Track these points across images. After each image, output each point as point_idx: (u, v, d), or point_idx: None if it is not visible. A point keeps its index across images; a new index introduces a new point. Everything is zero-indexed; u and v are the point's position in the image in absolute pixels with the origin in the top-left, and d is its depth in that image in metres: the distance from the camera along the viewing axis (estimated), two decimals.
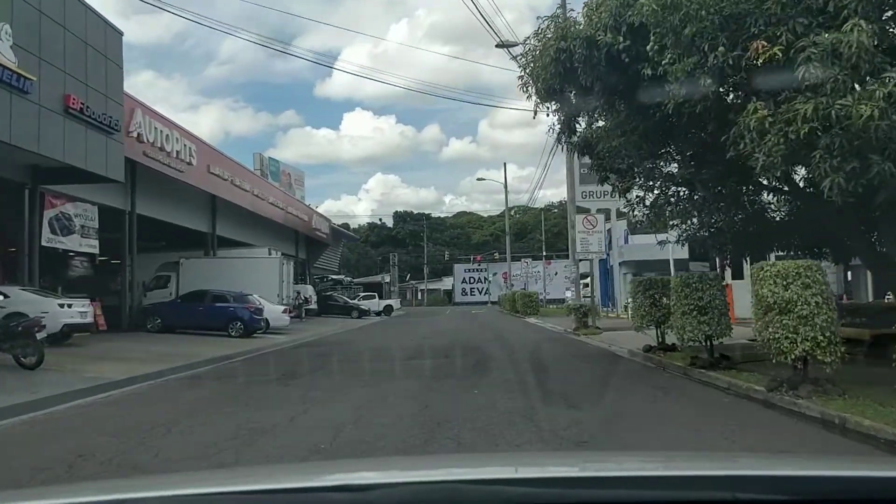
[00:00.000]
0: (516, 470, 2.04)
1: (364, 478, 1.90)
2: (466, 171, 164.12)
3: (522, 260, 67.86)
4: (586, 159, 16.82)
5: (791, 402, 7.85)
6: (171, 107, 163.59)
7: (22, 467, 5.93)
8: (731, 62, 7.73)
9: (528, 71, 11.09)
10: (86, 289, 21.73)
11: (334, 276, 51.86)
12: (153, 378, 12.24)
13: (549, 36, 10.22)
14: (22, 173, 16.70)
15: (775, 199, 13.00)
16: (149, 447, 6.54)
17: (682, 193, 12.74)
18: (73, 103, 14.94)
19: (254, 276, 26.43)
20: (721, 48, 7.73)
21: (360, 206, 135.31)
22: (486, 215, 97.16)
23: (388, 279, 67.86)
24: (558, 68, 10.05)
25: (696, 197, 12.54)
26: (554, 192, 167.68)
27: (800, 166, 8.96)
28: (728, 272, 21.10)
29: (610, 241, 31.61)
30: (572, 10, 13.15)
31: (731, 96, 8.98)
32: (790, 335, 7.84)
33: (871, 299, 23.12)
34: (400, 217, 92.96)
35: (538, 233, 76.61)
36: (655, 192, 12.95)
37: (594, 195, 24.87)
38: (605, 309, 34.26)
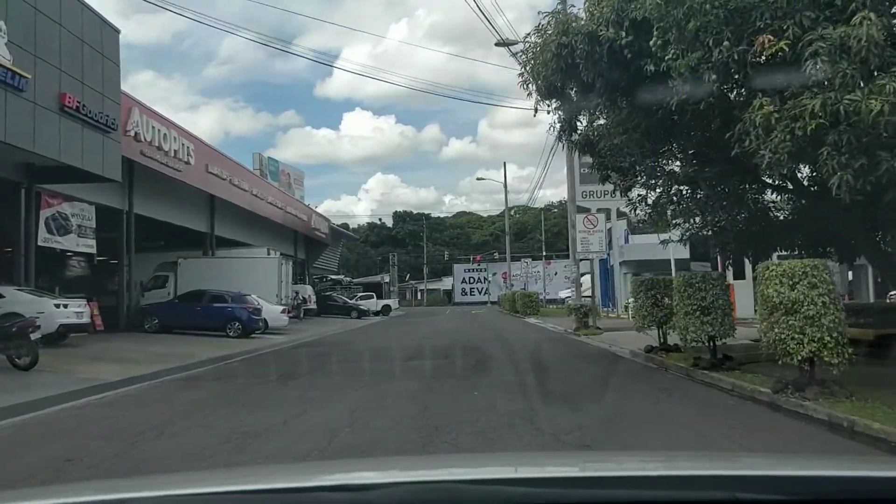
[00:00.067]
0: (516, 470, 2.03)
1: (363, 478, 1.89)
2: (466, 171, 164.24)
3: (522, 260, 67.77)
4: (587, 158, 16.68)
5: (797, 405, 7.69)
6: (171, 107, 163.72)
7: (4, 473, 5.77)
8: (736, 57, 7.56)
9: (528, 68, 10.93)
10: (83, 289, 21.62)
11: (333, 277, 51.71)
12: (149, 379, 12.11)
13: (550, 32, 10.06)
14: (17, 172, 16.54)
15: (779, 197, 12.84)
16: (139, 451, 6.39)
17: (684, 192, 12.58)
18: (69, 101, 14.77)
19: (252, 276, 26.30)
20: (726, 43, 7.57)
21: (359, 206, 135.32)
22: (485, 215, 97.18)
23: (387, 279, 67.66)
24: (559, 64, 9.88)
25: (698, 195, 12.38)
26: (554, 192, 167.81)
27: (805, 164, 8.80)
28: (730, 272, 20.96)
29: (610, 241, 31.47)
30: (573, 5, 13.01)
31: (736, 92, 8.82)
32: (796, 336, 7.68)
33: (871, 299, 23.08)
34: (399, 217, 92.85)
35: (538, 233, 76.50)
36: (658, 190, 12.79)
37: (594, 195, 24.81)
38: (605, 309, 34.13)
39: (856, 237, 11.48)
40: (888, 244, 11.30)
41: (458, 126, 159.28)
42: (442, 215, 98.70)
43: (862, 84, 6.56)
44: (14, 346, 11.75)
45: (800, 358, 7.73)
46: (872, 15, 6.48)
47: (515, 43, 18.98)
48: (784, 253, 13.44)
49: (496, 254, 75.21)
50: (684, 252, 19.98)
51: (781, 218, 13.06)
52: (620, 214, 32.06)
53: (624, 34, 8.89)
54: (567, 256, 29.39)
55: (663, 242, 15.25)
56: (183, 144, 23.32)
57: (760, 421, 7.55)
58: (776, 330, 7.87)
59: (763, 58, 7.31)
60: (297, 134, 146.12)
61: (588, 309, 23.24)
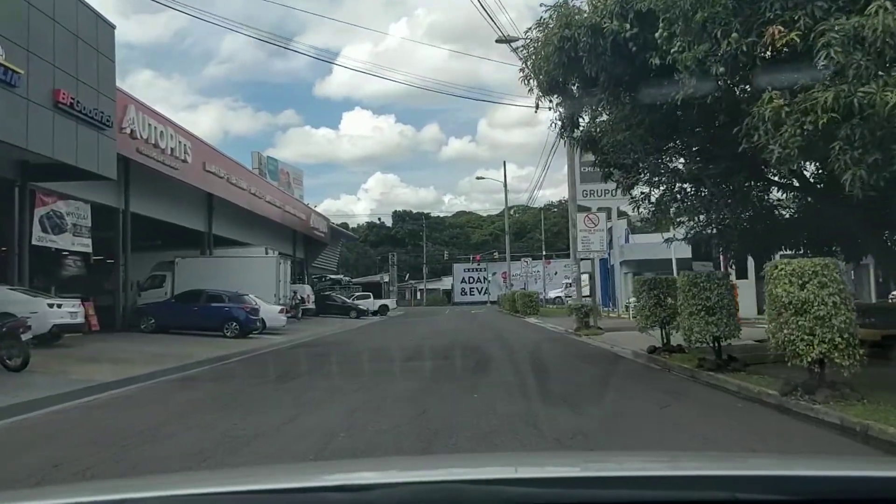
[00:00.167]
0: (516, 470, 2.03)
1: (364, 478, 1.89)
2: (466, 170, 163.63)
3: (522, 259, 67.53)
4: (588, 157, 16.45)
5: (807, 408, 7.47)
6: (170, 106, 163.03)
7: None
8: (744, 49, 7.32)
9: (529, 63, 10.70)
10: (79, 288, 21.41)
11: (332, 276, 51.47)
12: (144, 380, 11.91)
13: (552, 25, 9.82)
14: (11, 170, 16.33)
15: (785, 195, 12.62)
16: (128, 455, 6.16)
17: (688, 190, 12.35)
18: (64, 98, 14.57)
19: (250, 275, 26.10)
20: (734, 34, 7.33)
21: (359, 206, 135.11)
22: (485, 215, 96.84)
23: (386, 279, 67.47)
24: (562, 58, 9.65)
25: (702, 193, 12.15)
26: (553, 192, 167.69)
27: (815, 160, 8.58)
28: (732, 271, 20.75)
29: (610, 241, 31.27)
30: None
31: (744, 86, 8.59)
32: (806, 337, 7.45)
33: (873, 299, 22.89)
34: (399, 216, 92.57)
35: (538, 232, 76.26)
36: (661, 188, 12.56)
37: (595, 193, 24.69)
38: (605, 309, 33.93)
39: (863, 235, 11.27)
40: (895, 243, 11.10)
41: (457, 125, 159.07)
42: (441, 215, 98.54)
43: (880, 75, 6.33)
44: (5, 346, 11.57)
45: (809, 359, 7.51)
46: (888, 3, 6.24)
47: (516, 39, 18.75)
48: (788, 252, 13.23)
49: (496, 253, 75.01)
50: (686, 251, 19.78)
51: (787, 216, 12.84)
52: (621, 214, 31.91)
53: (628, 26, 8.65)
54: (567, 256, 29.21)
55: (668, 241, 15.01)
56: (180, 142, 23.10)
57: (769, 424, 7.33)
58: (785, 331, 7.64)
59: (773, 50, 7.08)
60: (296, 133, 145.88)
61: (589, 309, 23.01)
